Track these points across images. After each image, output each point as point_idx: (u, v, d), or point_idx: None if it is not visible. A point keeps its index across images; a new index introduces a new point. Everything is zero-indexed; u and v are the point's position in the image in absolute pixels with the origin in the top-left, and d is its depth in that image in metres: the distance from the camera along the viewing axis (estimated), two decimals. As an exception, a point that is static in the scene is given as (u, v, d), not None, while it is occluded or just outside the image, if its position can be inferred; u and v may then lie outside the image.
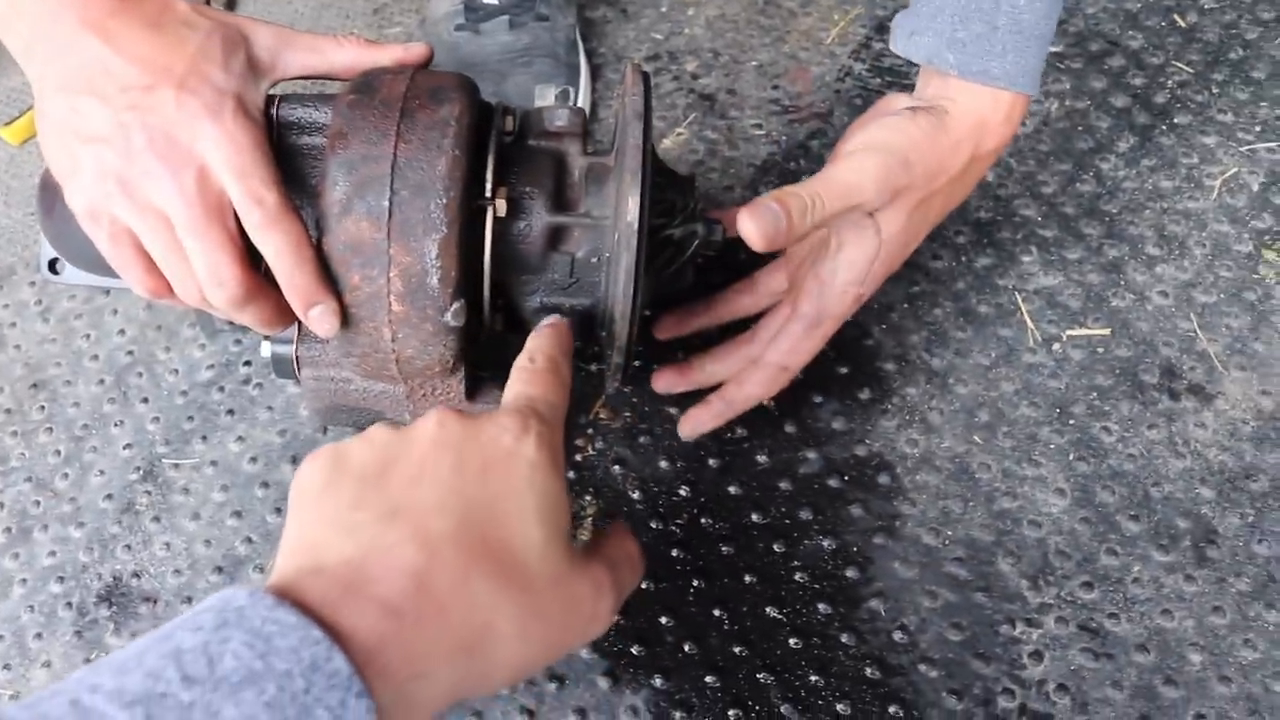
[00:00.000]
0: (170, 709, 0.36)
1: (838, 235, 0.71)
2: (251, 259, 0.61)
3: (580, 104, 0.95)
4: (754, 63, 1.02)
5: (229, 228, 0.59)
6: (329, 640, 0.39)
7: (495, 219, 0.62)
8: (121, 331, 0.98)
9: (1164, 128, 0.92)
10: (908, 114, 0.68)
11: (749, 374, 0.76)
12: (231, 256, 0.59)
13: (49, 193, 0.77)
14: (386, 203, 0.59)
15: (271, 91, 0.64)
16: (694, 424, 0.79)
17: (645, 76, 0.65)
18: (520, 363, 0.59)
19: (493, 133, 0.64)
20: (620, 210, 0.61)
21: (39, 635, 0.86)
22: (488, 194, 0.62)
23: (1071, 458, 0.79)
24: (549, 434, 0.53)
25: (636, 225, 0.59)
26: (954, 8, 0.66)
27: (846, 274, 0.71)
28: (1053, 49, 0.96)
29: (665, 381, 0.80)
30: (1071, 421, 0.81)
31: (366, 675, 0.40)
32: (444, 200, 0.59)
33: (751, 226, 0.63)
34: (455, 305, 0.61)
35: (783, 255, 0.79)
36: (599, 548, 0.55)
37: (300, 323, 0.67)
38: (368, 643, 0.41)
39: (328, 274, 0.60)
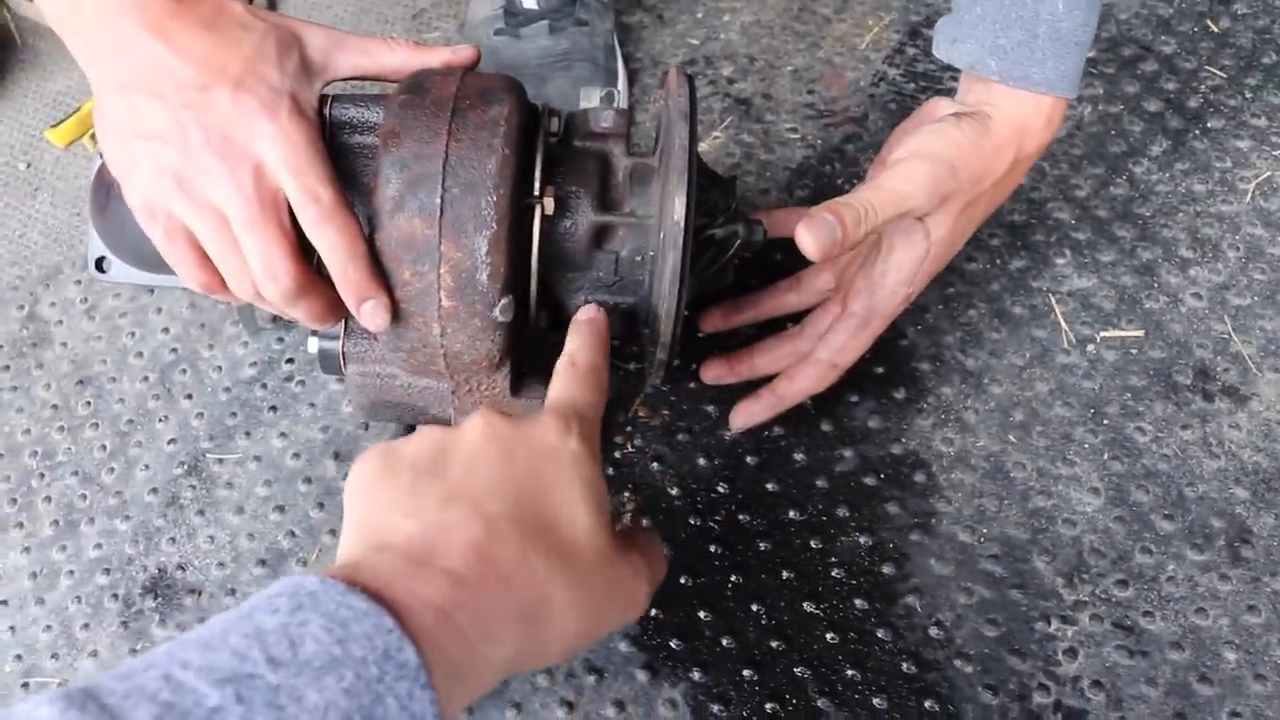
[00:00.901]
0: (259, 690, 0.37)
1: (889, 239, 0.72)
2: (304, 254, 0.62)
3: (619, 107, 0.97)
4: (789, 68, 1.03)
5: (284, 223, 0.61)
6: (400, 630, 0.41)
7: (543, 217, 0.64)
8: (166, 329, 1.00)
9: (1197, 132, 0.93)
10: (952, 120, 0.70)
11: (799, 369, 0.78)
12: (286, 251, 0.61)
13: (103, 190, 0.78)
14: (438, 200, 0.60)
15: (324, 92, 0.66)
16: (746, 416, 0.81)
17: (689, 79, 0.67)
18: (562, 365, 0.61)
19: (540, 133, 0.66)
20: (666, 209, 0.62)
21: (86, 626, 0.88)
22: (536, 192, 0.64)
23: (1106, 457, 0.80)
24: (589, 431, 0.56)
25: (683, 224, 0.60)
26: (995, 16, 0.68)
27: (897, 275, 0.73)
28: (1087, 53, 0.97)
29: (714, 373, 0.82)
30: (1105, 422, 0.81)
31: (440, 640, 0.43)
32: (494, 197, 0.60)
33: (809, 239, 0.65)
34: (504, 301, 0.62)
35: None
36: (632, 541, 0.57)
37: (347, 319, 0.68)
38: (443, 608, 0.43)
39: (379, 270, 0.62)
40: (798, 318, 0.81)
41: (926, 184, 0.68)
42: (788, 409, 0.80)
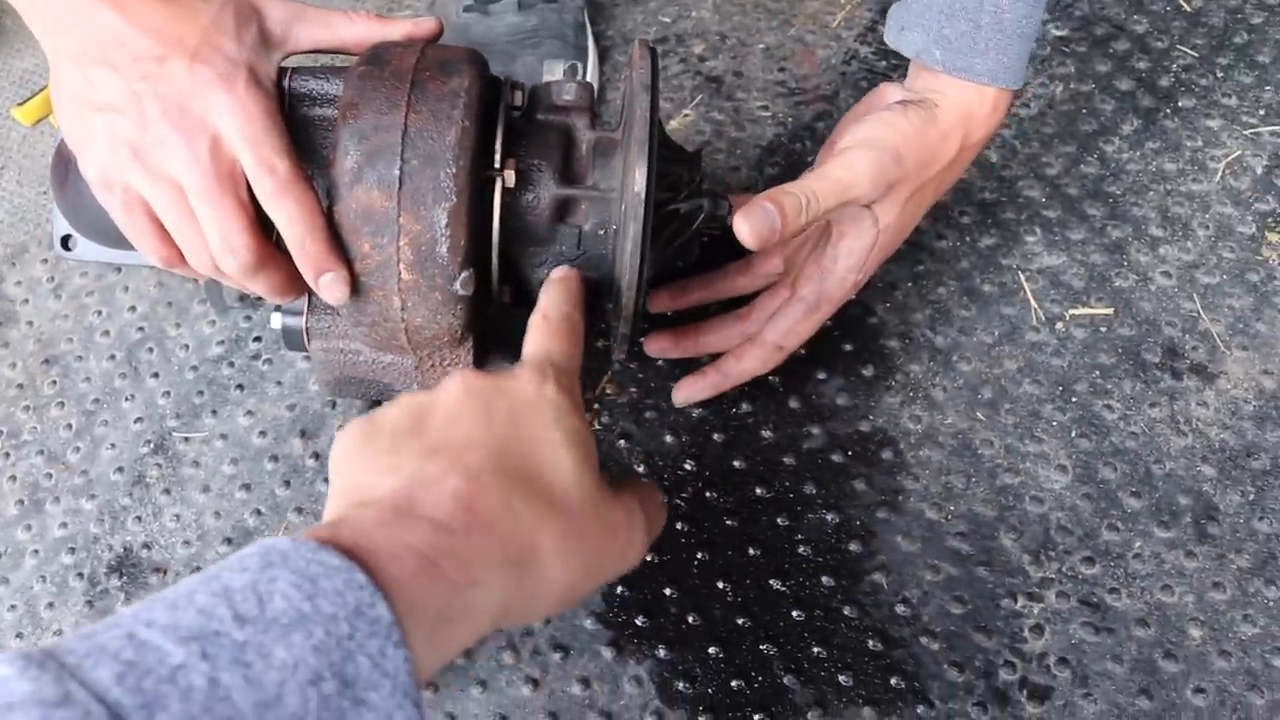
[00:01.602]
0: (225, 647, 0.36)
1: (838, 225, 0.73)
2: (263, 228, 0.61)
3: (588, 84, 0.96)
4: (761, 45, 1.02)
5: (241, 196, 0.60)
6: (372, 585, 0.40)
7: (504, 190, 0.63)
8: (132, 308, 0.99)
9: (1168, 111, 0.92)
10: (899, 109, 0.70)
11: (746, 349, 0.78)
12: (243, 224, 0.60)
13: (63, 166, 0.78)
14: (397, 172, 0.59)
15: (283, 64, 0.65)
16: (687, 392, 0.81)
17: (652, 51, 0.66)
18: (535, 319, 0.61)
19: (501, 106, 0.65)
20: (627, 181, 0.62)
21: (51, 605, 0.87)
22: (497, 165, 0.63)
23: (1073, 435, 0.80)
24: (567, 380, 0.55)
25: (644, 195, 0.60)
26: (941, 5, 0.68)
27: (846, 261, 0.73)
28: (1058, 32, 0.97)
29: (658, 345, 0.82)
30: (1074, 399, 0.81)
31: (424, 584, 0.42)
32: (454, 169, 0.59)
33: (745, 227, 0.65)
34: (464, 274, 0.61)
35: None
36: (625, 486, 0.56)
37: (310, 295, 0.68)
38: (426, 554, 0.43)
39: (338, 242, 0.61)
40: (747, 300, 0.81)
41: (871, 173, 0.68)
42: (732, 387, 0.80)
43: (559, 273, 0.65)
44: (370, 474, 0.49)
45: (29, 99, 1.12)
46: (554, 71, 0.70)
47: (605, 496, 0.52)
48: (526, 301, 0.68)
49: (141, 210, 0.62)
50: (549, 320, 0.60)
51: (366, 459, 0.50)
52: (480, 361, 0.70)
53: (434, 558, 0.43)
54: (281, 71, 0.65)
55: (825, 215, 0.68)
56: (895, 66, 0.99)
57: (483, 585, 0.45)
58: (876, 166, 0.68)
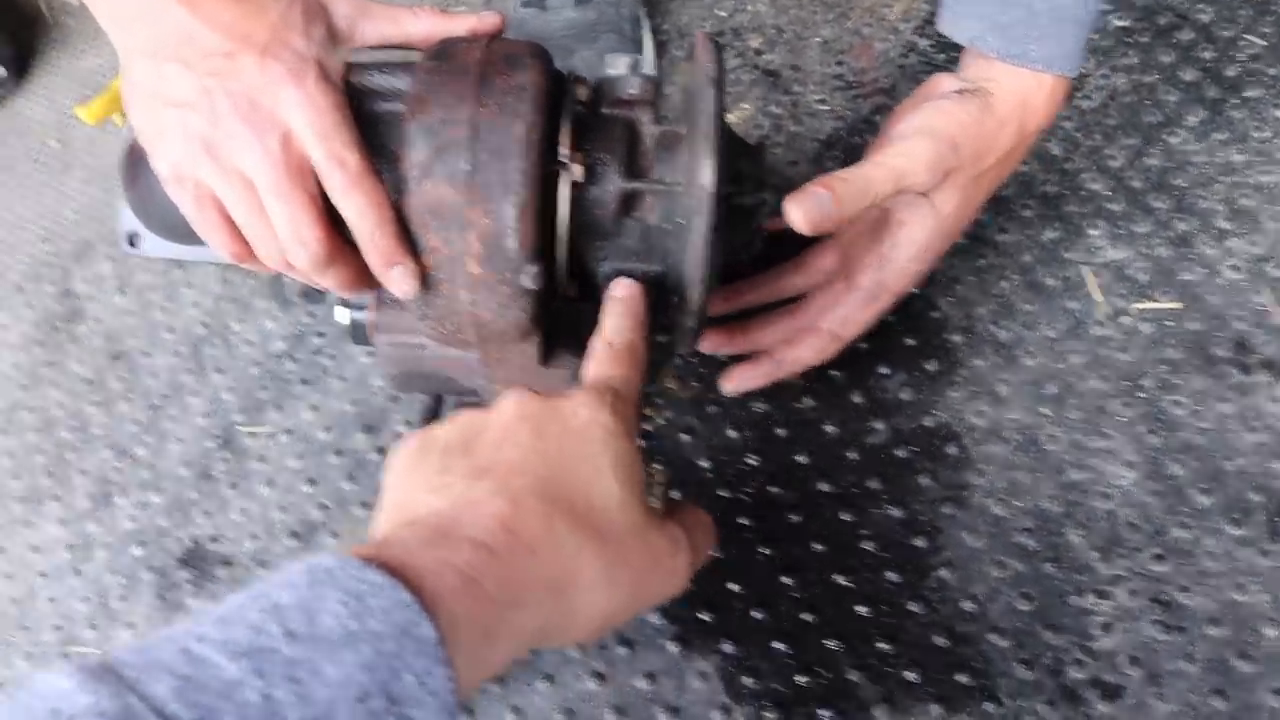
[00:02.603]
0: (277, 663, 0.37)
1: (897, 214, 0.72)
2: (332, 222, 0.62)
3: (645, 77, 0.96)
4: (818, 39, 1.02)
5: (311, 190, 0.61)
6: (417, 604, 0.40)
7: (571, 183, 0.63)
8: (197, 304, 1.01)
9: (1235, 101, 0.91)
10: (955, 97, 0.70)
11: (802, 337, 0.78)
12: (314, 218, 0.61)
13: (133, 163, 0.79)
14: (466, 166, 0.60)
15: (349, 60, 0.66)
16: (739, 380, 0.80)
17: (717, 46, 0.66)
18: (597, 345, 0.61)
19: (566, 101, 0.65)
20: (694, 176, 0.62)
21: (123, 597, 0.89)
22: (564, 159, 0.63)
23: (1142, 430, 0.79)
24: (624, 407, 0.55)
25: (711, 189, 0.60)
26: None
27: (907, 250, 0.73)
28: (1120, 23, 0.96)
29: (711, 342, 0.81)
30: (1141, 394, 0.80)
31: (466, 604, 0.42)
32: (522, 163, 0.60)
33: (798, 212, 0.65)
34: (532, 269, 0.62)
35: (833, 236, 0.79)
36: (673, 511, 0.57)
37: (377, 290, 0.68)
38: (468, 574, 0.43)
39: (407, 236, 0.62)
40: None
41: (928, 161, 0.67)
42: (785, 376, 0.80)
43: (621, 289, 0.65)
44: (419, 492, 0.50)
45: (93, 98, 1.13)
46: (617, 66, 0.69)
47: (650, 524, 0.52)
48: (591, 295, 0.68)
49: (212, 205, 0.63)
50: (612, 348, 0.60)
51: (417, 476, 0.51)
52: (546, 356, 0.70)
53: (476, 578, 0.44)
54: (348, 67, 0.66)
55: (880, 202, 0.68)
56: (954, 59, 0.97)
57: (523, 607, 0.45)
58: (933, 154, 0.68)
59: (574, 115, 0.65)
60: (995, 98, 0.69)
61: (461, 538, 0.45)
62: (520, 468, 0.50)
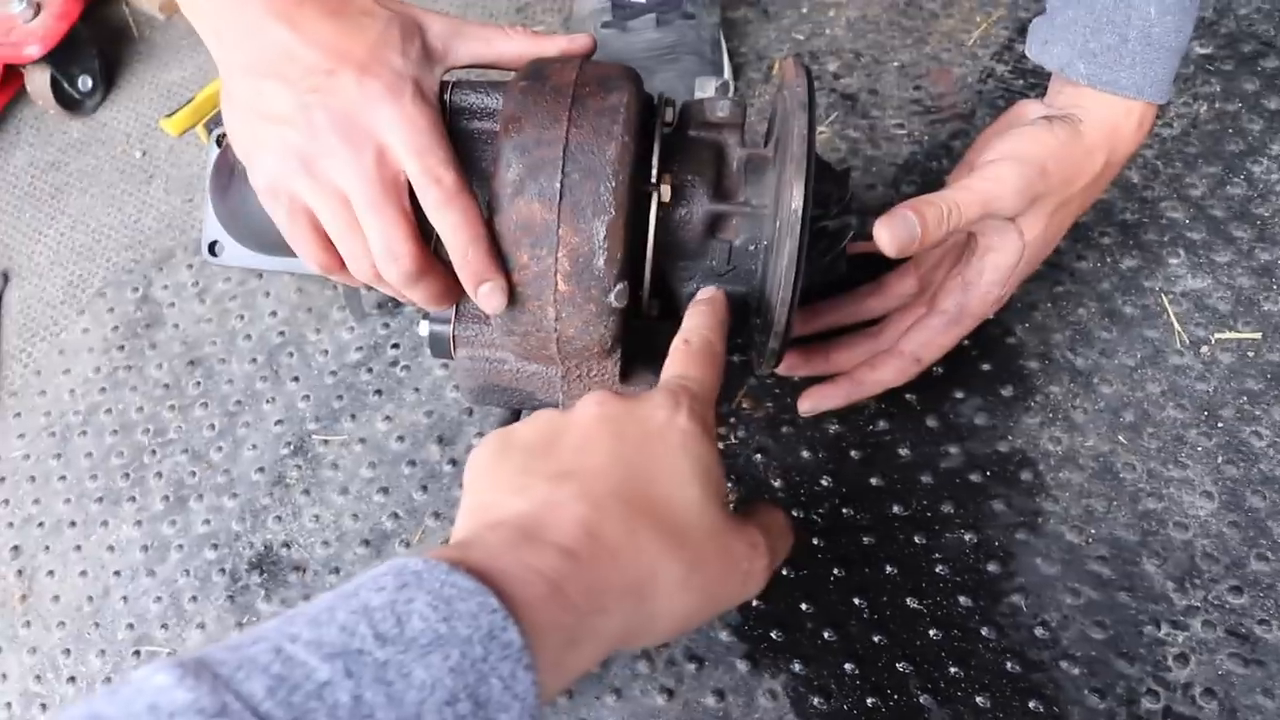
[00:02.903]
0: (367, 665, 0.37)
1: (984, 238, 0.72)
2: (424, 237, 0.63)
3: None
4: (895, 63, 1.02)
5: (404, 206, 0.62)
6: (504, 610, 0.41)
7: (659, 204, 0.64)
8: (274, 313, 1.02)
9: (1319, 131, 0.90)
10: (1044, 124, 0.69)
11: (882, 360, 0.77)
12: (406, 233, 0.62)
13: (224, 173, 0.81)
14: (558, 185, 0.60)
15: (444, 78, 0.67)
16: (816, 400, 0.80)
17: (807, 70, 0.66)
18: (677, 344, 0.61)
19: (656, 122, 0.66)
20: (783, 198, 0.62)
21: (194, 598, 0.90)
22: (653, 180, 0.64)
23: (1220, 461, 0.78)
24: (701, 408, 0.55)
25: (801, 213, 0.60)
26: (1087, 19, 0.68)
27: (992, 275, 0.73)
28: (1202, 50, 0.95)
29: (788, 363, 0.81)
30: (1220, 425, 0.79)
31: (552, 609, 0.43)
32: (613, 183, 0.60)
33: (886, 235, 0.65)
34: (619, 287, 0.62)
35: (912, 260, 0.79)
36: (750, 514, 0.57)
37: (458, 303, 0.69)
38: (553, 579, 0.44)
39: (498, 253, 0.63)
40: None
41: (1016, 185, 0.67)
42: (864, 398, 0.79)
43: (705, 294, 0.66)
44: (501, 493, 0.50)
45: (177, 110, 1.16)
46: (705, 88, 0.70)
47: (729, 526, 0.53)
48: (673, 315, 0.69)
49: (306, 219, 0.64)
50: (690, 345, 0.60)
51: (499, 477, 0.52)
52: (626, 374, 0.71)
53: (560, 583, 0.44)
54: (443, 85, 0.67)
55: (967, 227, 0.68)
56: (1033, 85, 0.98)
57: (605, 612, 0.46)
58: (1022, 180, 0.68)
59: (662, 137, 0.66)
60: (1084, 124, 0.69)
61: (545, 542, 0.46)
62: (602, 471, 0.50)
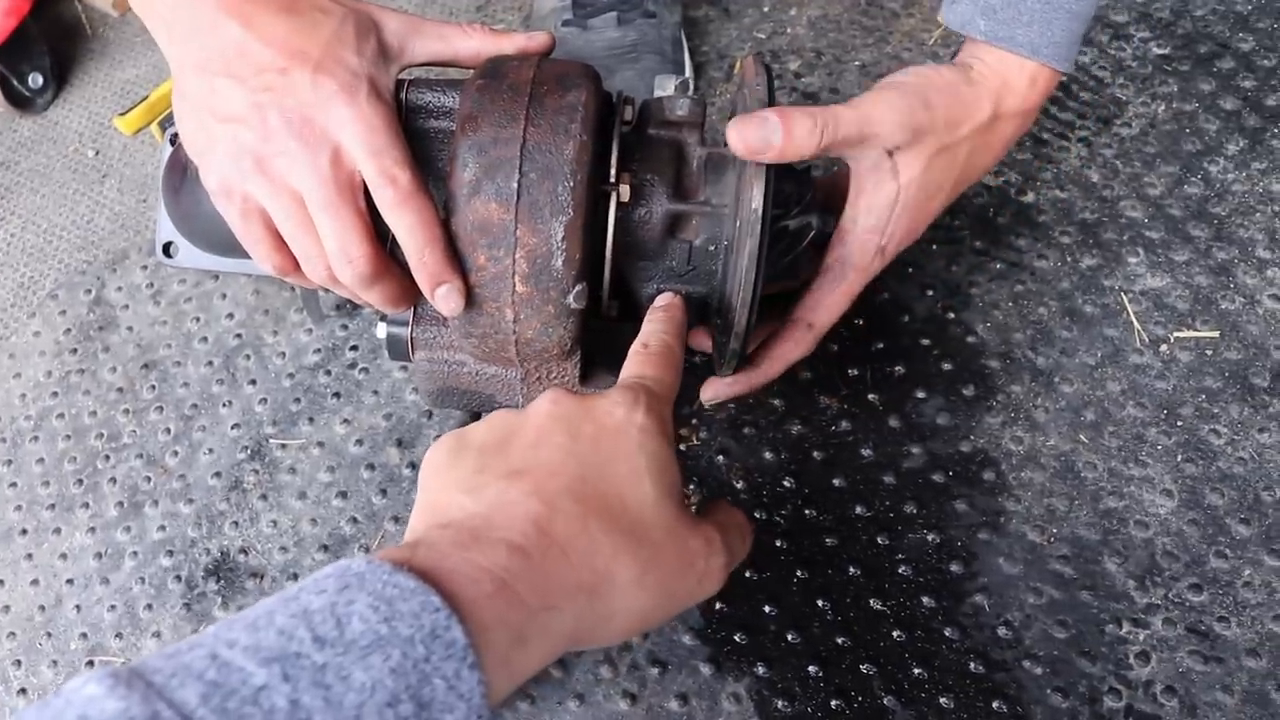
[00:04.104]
0: (305, 669, 0.37)
1: (856, 180, 0.69)
2: (380, 238, 0.62)
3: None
4: (856, 62, 1.02)
5: (360, 206, 0.61)
6: (447, 608, 0.40)
7: (618, 204, 0.63)
8: (230, 315, 1.01)
9: (1275, 130, 0.91)
10: (932, 64, 0.69)
11: (776, 333, 0.73)
12: (362, 234, 0.61)
13: (177, 173, 0.79)
14: (515, 185, 0.60)
15: (400, 77, 0.66)
16: (717, 388, 0.74)
17: (766, 68, 0.66)
18: (635, 348, 0.61)
19: (615, 121, 0.65)
20: (743, 198, 0.62)
21: (149, 606, 0.89)
22: (612, 179, 0.63)
23: (1179, 459, 0.78)
24: (658, 406, 0.55)
25: (761, 212, 0.60)
26: None
27: (866, 220, 0.69)
28: (1160, 51, 0.96)
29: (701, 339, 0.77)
30: (1179, 423, 0.80)
31: (499, 606, 0.43)
32: (571, 183, 0.60)
33: (735, 135, 0.62)
34: (578, 288, 0.62)
35: None
36: (708, 512, 0.56)
37: (416, 305, 0.68)
38: (501, 576, 0.44)
39: (455, 254, 0.62)
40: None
41: (898, 108, 0.65)
42: (769, 379, 0.74)
43: (663, 300, 0.65)
44: (453, 492, 0.50)
45: (130, 109, 1.14)
46: (666, 87, 0.69)
47: (685, 525, 0.52)
48: (633, 316, 0.68)
49: (259, 219, 0.63)
50: (649, 349, 0.60)
51: (452, 477, 0.51)
52: (586, 376, 0.70)
53: (509, 581, 0.44)
54: (399, 84, 0.66)
55: (843, 145, 0.65)
56: (992, 84, 0.98)
57: (556, 609, 0.45)
58: (904, 104, 0.65)
59: (621, 136, 0.65)
60: (974, 71, 0.68)
61: (495, 539, 0.45)
62: (555, 468, 0.50)
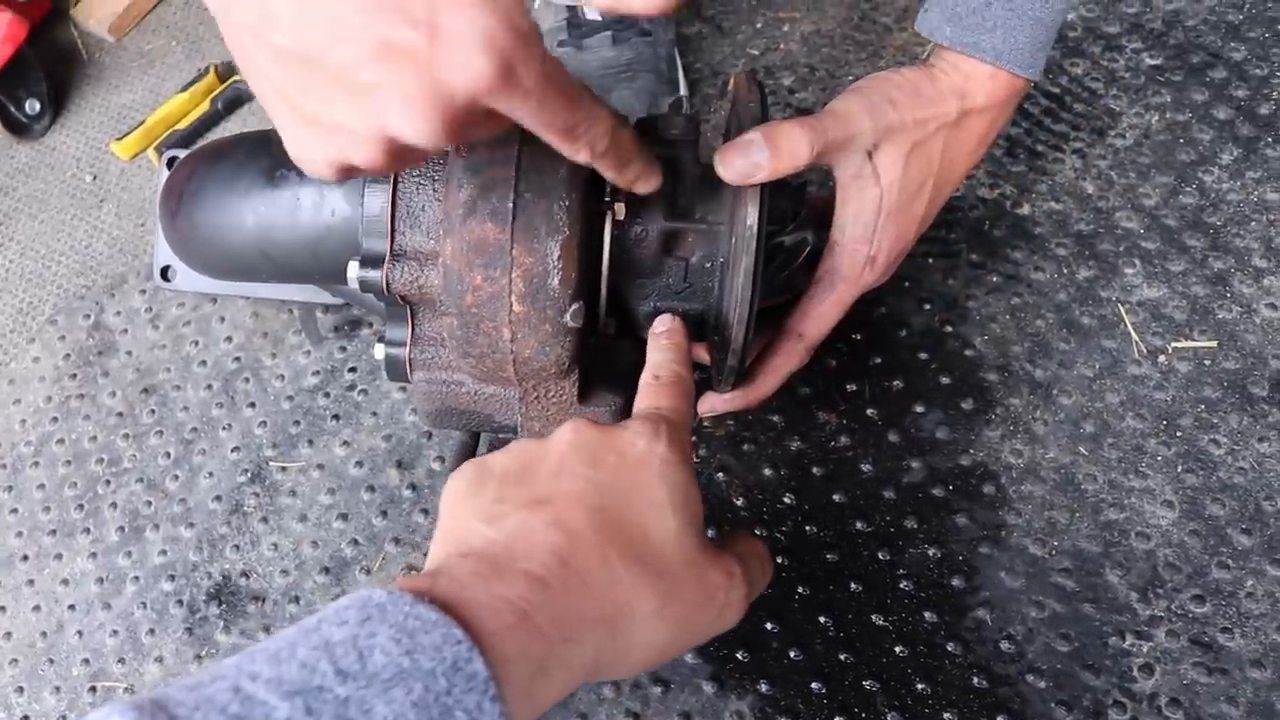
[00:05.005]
0: (328, 703, 0.37)
1: (841, 190, 0.70)
2: None
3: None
4: (850, 77, 1.02)
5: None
6: (468, 640, 0.40)
7: (614, 222, 0.64)
8: (229, 339, 1.01)
9: (1269, 139, 0.91)
10: (893, 68, 0.69)
11: (769, 347, 0.74)
12: None
13: (172, 197, 0.79)
14: (510, 204, 0.60)
15: None
16: (714, 401, 0.75)
17: (760, 84, 0.66)
18: (646, 379, 0.61)
19: None
20: (738, 215, 0.62)
21: (151, 631, 0.89)
22: (607, 198, 0.63)
23: (1180, 470, 0.78)
24: (679, 436, 0.55)
25: (756, 229, 0.60)
26: None
27: (853, 229, 0.70)
28: (1152, 62, 0.96)
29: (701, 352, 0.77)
30: (1179, 434, 0.80)
31: (520, 638, 0.43)
32: (567, 202, 0.60)
33: (721, 165, 0.62)
34: (574, 306, 0.62)
35: None
36: (728, 543, 0.56)
37: (413, 325, 0.68)
38: (522, 608, 0.43)
39: (450, 276, 0.61)
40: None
41: (865, 109, 0.66)
42: (764, 394, 0.75)
43: (663, 324, 0.65)
44: (474, 521, 0.50)
45: (127, 134, 1.15)
46: (660, 106, 0.70)
47: (706, 557, 0.52)
48: (631, 333, 0.69)
49: None
50: (660, 380, 0.60)
51: (473, 505, 0.51)
52: (584, 394, 0.70)
53: (530, 612, 0.44)
54: None
55: (831, 148, 0.65)
56: (986, 97, 0.98)
57: (576, 641, 0.45)
58: (869, 105, 0.66)
59: None
60: (936, 69, 0.69)
61: (515, 570, 0.45)
62: (576, 499, 0.50)
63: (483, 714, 0.39)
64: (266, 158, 0.74)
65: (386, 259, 0.64)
